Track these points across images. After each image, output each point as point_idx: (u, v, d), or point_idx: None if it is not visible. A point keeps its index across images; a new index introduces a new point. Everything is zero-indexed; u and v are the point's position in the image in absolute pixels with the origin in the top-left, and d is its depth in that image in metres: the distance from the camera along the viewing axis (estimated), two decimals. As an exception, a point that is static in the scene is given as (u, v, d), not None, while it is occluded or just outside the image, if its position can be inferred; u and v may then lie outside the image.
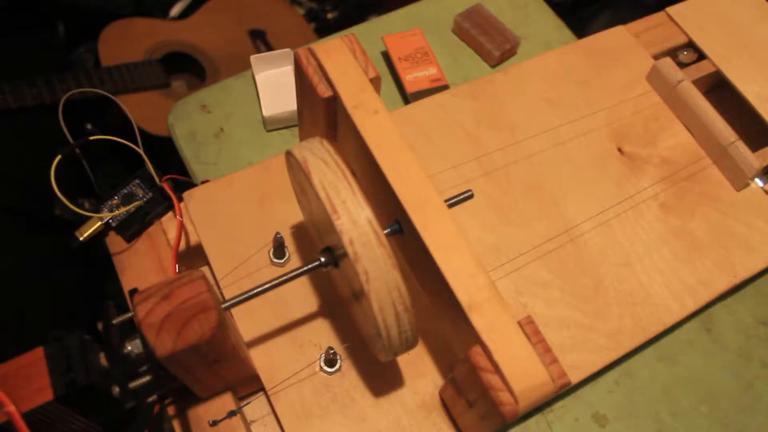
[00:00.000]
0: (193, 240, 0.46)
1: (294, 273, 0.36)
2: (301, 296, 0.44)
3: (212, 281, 0.44)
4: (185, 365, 0.33)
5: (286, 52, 0.61)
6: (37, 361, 0.32)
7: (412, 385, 0.42)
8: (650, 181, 0.51)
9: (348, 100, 0.36)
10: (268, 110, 0.58)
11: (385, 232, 0.35)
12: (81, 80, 0.93)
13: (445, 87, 0.58)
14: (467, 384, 0.35)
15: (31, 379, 0.31)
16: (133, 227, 0.45)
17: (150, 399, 0.35)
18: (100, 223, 0.44)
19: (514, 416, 0.31)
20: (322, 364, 0.41)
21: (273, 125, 0.59)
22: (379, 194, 0.36)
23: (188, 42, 1.08)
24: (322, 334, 0.43)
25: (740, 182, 0.51)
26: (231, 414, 0.39)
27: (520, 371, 0.31)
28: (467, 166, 0.50)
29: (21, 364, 0.32)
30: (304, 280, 0.44)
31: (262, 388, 0.41)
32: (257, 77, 0.61)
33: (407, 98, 0.60)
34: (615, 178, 0.51)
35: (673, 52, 0.59)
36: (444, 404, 0.41)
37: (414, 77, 0.59)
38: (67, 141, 0.43)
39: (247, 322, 0.42)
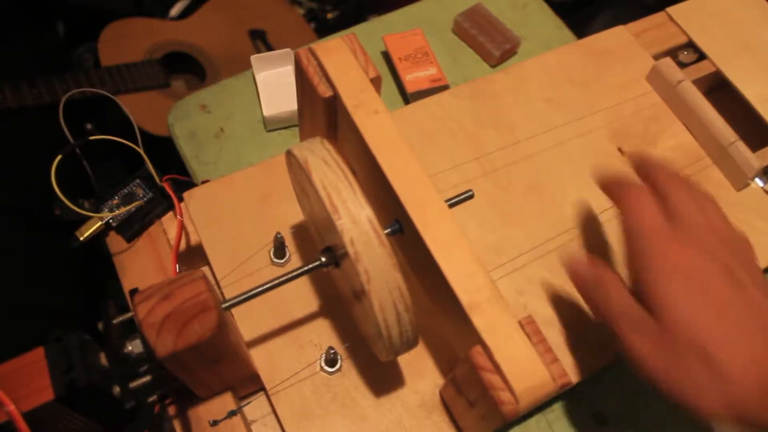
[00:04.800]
0: (194, 240, 0.46)
1: (294, 273, 0.36)
2: (302, 296, 0.44)
3: (212, 281, 0.44)
4: (185, 365, 0.33)
5: (286, 52, 0.61)
6: (37, 361, 0.32)
7: (413, 385, 0.42)
8: (650, 181, 0.51)
9: (348, 100, 0.36)
10: (268, 110, 0.58)
11: (386, 231, 0.35)
12: (81, 80, 0.93)
13: (445, 87, 0.58)
14: (468, 384, 0.35)
15: (31, 379, 0.31)
16: (133, 227, 0.45)
17: (150, 399, 0.35)
18: (100, 223, 0.44)
19: (515, 416, 0.31)
20: (323, 363, 0.41)
21: (273, 125, 0.59)
22: (379, 194, 0.36)
23: (188, 42, 1.08)
24: (323, 334, 0.43)
25: (740, 182, 0.51)
26: (231, 414, 0.39)
27: (520, 371, 0.31)
28: (467, 166, 0.50)
29: (21, 364, 0.32)
30: (304, 280, 0.44)
31: (263, 388, 0.41)
32: (257, 77, 0.61)
33: (407, 98, 0.60)
34: (615, 178, 0.51)
35: (673, 52, 0.59)
36: (444, 404, 0.41)
37: (414, 77, 0.59)
38: (67, 141, 0.43)
39: (248, 322, 0.42)
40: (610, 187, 0.39)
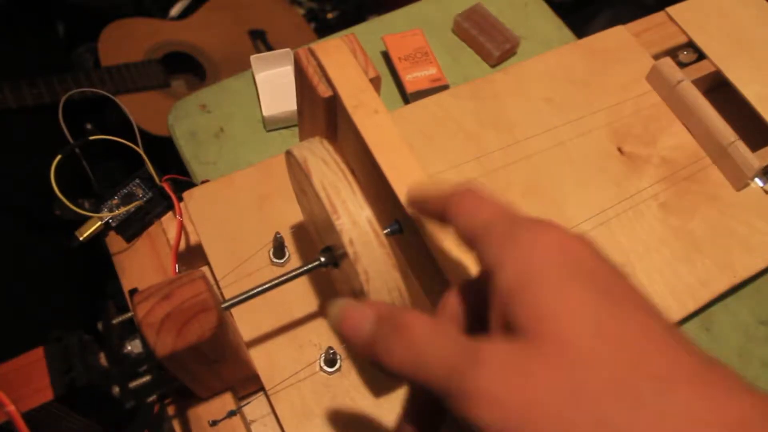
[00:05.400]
0: (193, 240, 0.46)
1: (294, 273, 0.36)
2: (301, 296, 0.44)
3: (212, 281, 0.44)
4: (185, 365, 0.33)
5: (286, 52, 0.61)
6: (37, 361, 0.32)
7: (412, 385, 0.42)
8: (650, 181, 0.51)
9: (348, 100, 0.36)
10: (268, 110, 0.58)
11: (385, 232, 0.35)
12: (81, 80, 0.94)
13: (444, 87, 0.58)
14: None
15: (31, 379, 0.31)
16: (133, 227, 0.45)
17: (150, 399, 0.35)
18: (100, 223, 0.44)
19: None
20: (322, 363, 0.41)
21: (273, 125, 0.59)
22: (378, 194, 0.36)
23: (188, 42, 1.08)
24: (322, 334, 0.43)
25: (740, 182, 0.51)
26: (231, 414, 0.39)
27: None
28: (467, 166, 0.50)
29: (21, 364, 0.32)
30: (304, 280, 0.44)
31: (262, 388, 0.41)
32: (257, 77, 0.61)
33: (407, 98, 0.60)
34: (615, 178, 0.51)
35: (673, 52, 0.59)
36: (444, 404, 0.41)
37: (414, 77, 0.59)
38: (67, 141, 0.43)
39: (247, 322, 0.42)
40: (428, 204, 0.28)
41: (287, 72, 0.62)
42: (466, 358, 0.20)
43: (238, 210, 0.47)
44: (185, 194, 0.47)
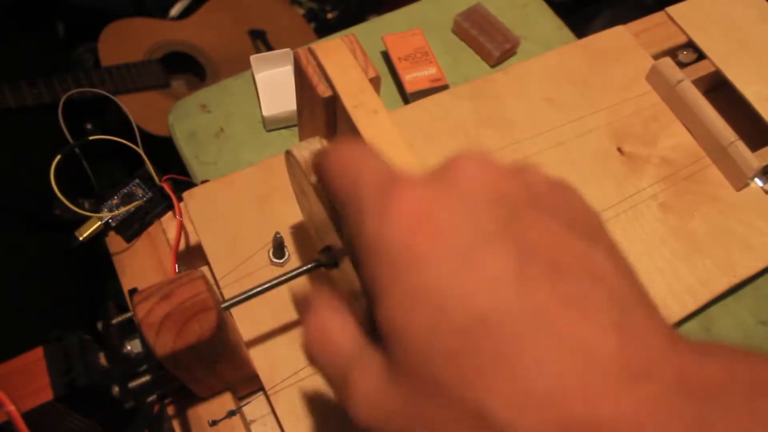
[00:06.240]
0: (193, 240, 0.46)
1: (294, 273, 0.36)
2: (301, 296, 0.44)
3: (212, 281, 0.44)
4: (185, 365, 0.33)
5: (286, 52, 0.61)
6: (36, 360, 0.32)
7: (412, 385, 0.42)
8: (650, 181, 0.51)
9: (348, 100, 0.36)
10: (267, 110, 0.58)
11: (385, 231, 0.35)
12: (81, 80, 0.94)
13: (444, 87, 0.58)
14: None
15: (30, 379, 0.31)
16: (132, 227, 0.45)
17: (150, 399, 0.35)
18: (99, 222, 0.44)
19: None
20: (322, 363, 0.41)
21: (273, 125, 0.59)
22: (378, 194, 0.36)
23: (188, 42, 1.08)
24: (322, 334, 0.43)
25: (740, 182, 0.51)
26: (231, 414, 0.39)
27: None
28: (467, 166, 0.50)
29: (21, 364, 0.32)
30: (303, 280, 0.44)
31: (262, 388, 0.41)
32: (257, 77, 0.61)
33: (407, 98, 0.60)
34: (615, 178, 0.51)
35: (672, 52, 0.59)
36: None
37: (413, 77, 0.59)
38: (67, 141, 0.43)
39: (247, 322, 0.42)
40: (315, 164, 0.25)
41: (287, 72, 0.62)
42: (350, 363, 0.22)
43: (238, 210, 0.47)
44: (185, 194, 0.47)
